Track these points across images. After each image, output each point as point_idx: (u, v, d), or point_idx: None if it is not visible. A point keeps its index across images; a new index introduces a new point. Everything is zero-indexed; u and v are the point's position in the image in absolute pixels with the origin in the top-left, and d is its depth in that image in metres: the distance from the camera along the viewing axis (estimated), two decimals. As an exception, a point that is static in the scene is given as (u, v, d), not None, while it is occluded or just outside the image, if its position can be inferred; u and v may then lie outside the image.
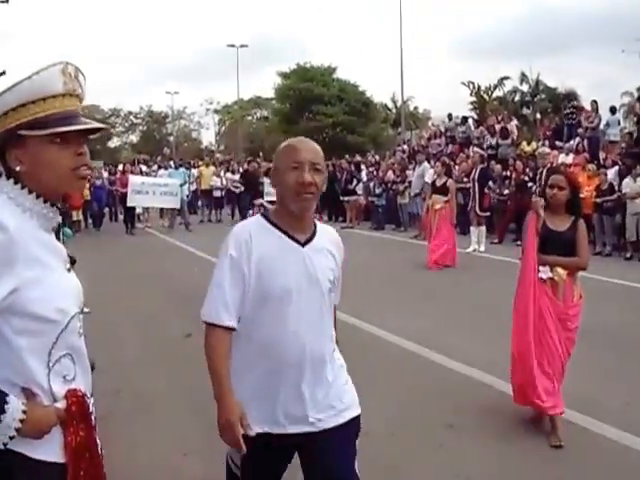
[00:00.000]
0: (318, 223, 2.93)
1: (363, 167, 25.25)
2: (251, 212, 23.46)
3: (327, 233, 2.94)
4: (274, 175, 2.85)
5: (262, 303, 2.71)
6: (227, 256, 2.70)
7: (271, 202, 12.71)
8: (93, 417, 2.07)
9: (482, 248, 15.94)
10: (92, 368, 3.96)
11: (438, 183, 13.87)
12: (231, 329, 2.72)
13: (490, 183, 17.78)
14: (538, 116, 42.72)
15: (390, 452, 4.80)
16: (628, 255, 15.01)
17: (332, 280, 2.84)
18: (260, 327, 2.73)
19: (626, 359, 7.07)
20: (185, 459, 4.80)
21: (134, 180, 21.83)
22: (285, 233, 2.76)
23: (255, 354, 2.76)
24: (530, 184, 16.96)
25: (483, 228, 16.46)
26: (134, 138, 72.71)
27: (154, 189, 21.68)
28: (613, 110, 20.47)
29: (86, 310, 8.01)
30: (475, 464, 4.67)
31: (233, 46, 53.43)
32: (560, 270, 5.13)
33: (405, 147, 28.00)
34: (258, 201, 16.46)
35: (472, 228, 16.44)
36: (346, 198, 23.52)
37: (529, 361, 5.13)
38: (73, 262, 6.84)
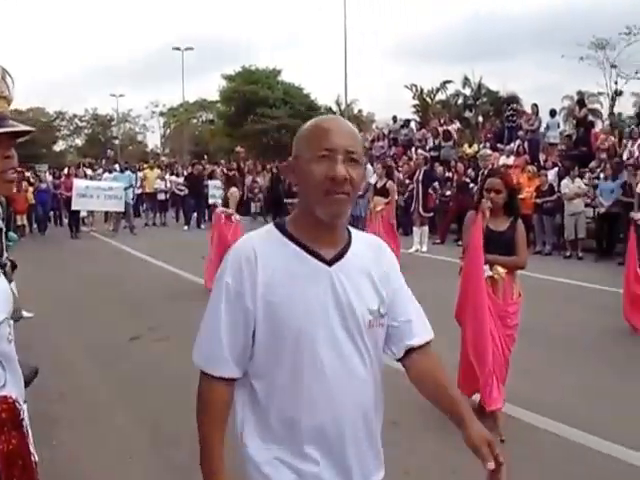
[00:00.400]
0: (353, 231, 2.15)
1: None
2: (195, 215, 23.45)
3: (366, 243, 2.16)
4: (292, 168, 2.05)
5: (277, 348, 1.97)
6: (222, 284, 2.00)
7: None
8: (26, 424, 2.03)
9: (424, 248, 16.13)
10: (35, 374, 3.91)
11: (379, 185, 13.99)
12: (231, 380, 2.04)
13: (435, 184, 17.98)
14: (480, 119, 43.29)
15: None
16: (567, 254, 15.38)
17: (375, 310, 2.05)
18: (278, 385, 2.00)
19: (566, 355, 7.22)
20: (130, 463, 4.76)
21: (78, 184, 21.55)
22: (305, 248, 2.01)
23: (275, 427, 2.02)
24: (471, 185, 17.27)
25: (426, 228, 16.62)
26: (79, 141, 71.61)
27: (98, 193, 21.51)
28: (553, 113, 20.90)
29: (28, 315, 7.84)
30: (418, 459, 4.73)
31: (178, 49, 52.98)
32: (499, 269, 5.24)
33: (349, 150, 28.09)
34: (211, 201, 14.64)
35: (415, 228, 16.60)
36: (290, 200, 23.58)
37: (486, 355, 5.19)
38: (14, 267, 6.66)
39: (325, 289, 1.98)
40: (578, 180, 15.56)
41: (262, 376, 2.02)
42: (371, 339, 2.06)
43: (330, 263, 2.01)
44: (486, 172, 7.77)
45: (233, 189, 11.34)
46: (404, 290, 2.20)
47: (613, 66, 39.30)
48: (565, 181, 15.64)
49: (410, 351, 2.18)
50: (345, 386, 2.00)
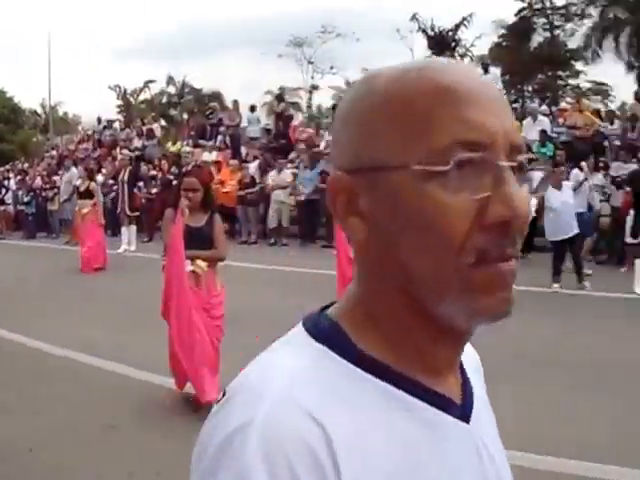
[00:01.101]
0: None
1: (11, 175, 24.61)
2: None
3: (467, 356, 0.91)
4: (354, 197, 0.76)
5: None
6: None
7: None
8: None
9: (133, 247, 16.31)
10: None
11: (82, 188, 14.02)
12: None
13: (140, 183, 18.06)
14: (185, 116, 43.69)
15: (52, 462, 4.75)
16: (272, 241, 16.26)
17: None
18: None
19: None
20: None
21: None
22: (417, 390, 0.78)
23: None
24: (175, 182, 17.54)
25: (133, 228, 16.75)
26: None
27: None
28: (253, 108, 21.74)
29: None
30: (139, 461, 4.72)
31: None
32: (200, 262, 5.47)
33: (54, 153, 27.20)
34: None
35: (123, 229, 16.69)
36: (3, 208, 22.86)
37: (193, 350, 5.37)
38: None
39: (473, 472, 0.82)
40: (286, 172, 16.47)
41: None
42: None
43: (465, 414, 0.84)
44: (184, 171, 8.00)
45: None
46: None
47: (310, 62, 41.58)
48: (272, 173, 16.53)
49: None
50: None
